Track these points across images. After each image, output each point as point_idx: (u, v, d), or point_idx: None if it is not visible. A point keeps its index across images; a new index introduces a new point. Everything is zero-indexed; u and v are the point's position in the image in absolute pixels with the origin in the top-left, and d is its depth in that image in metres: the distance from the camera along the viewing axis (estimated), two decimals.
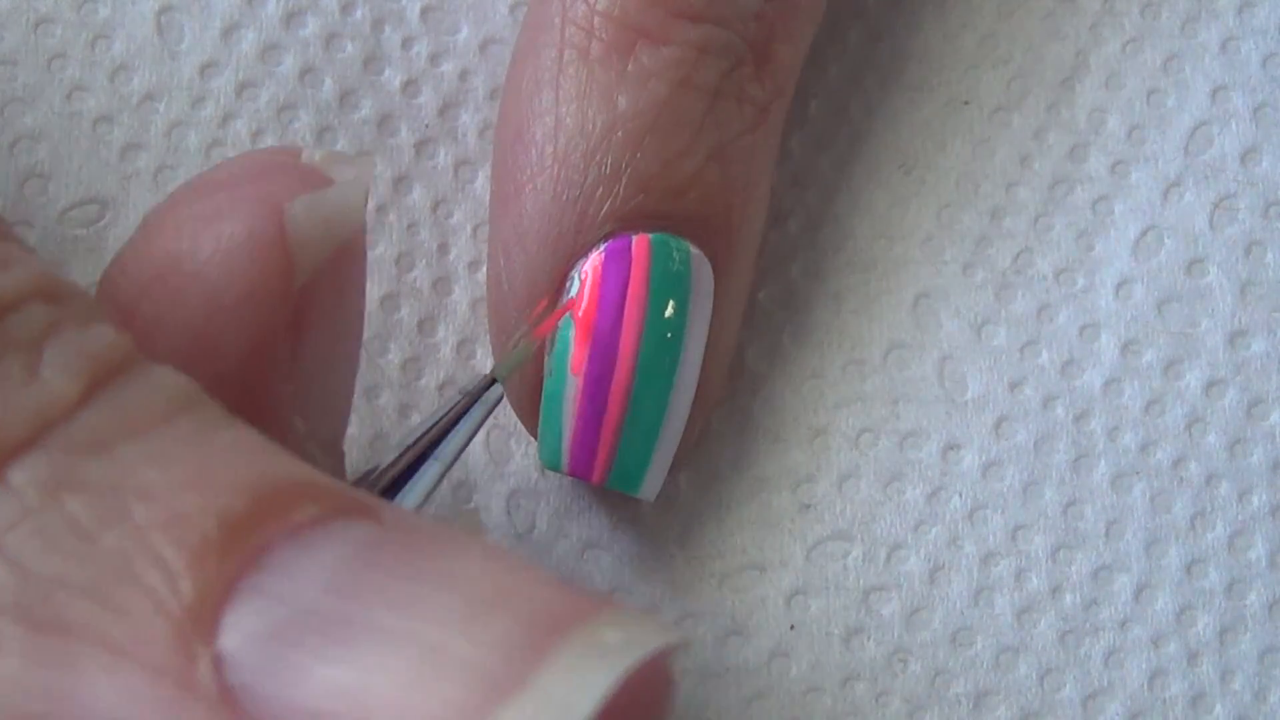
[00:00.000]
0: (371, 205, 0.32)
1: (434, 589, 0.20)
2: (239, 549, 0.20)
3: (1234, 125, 0.33)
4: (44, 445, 0.21)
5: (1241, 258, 0.32)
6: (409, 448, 0.26)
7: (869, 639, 0.31)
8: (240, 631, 0.20)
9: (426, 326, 0.32)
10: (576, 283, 0.29)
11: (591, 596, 0.20)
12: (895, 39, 0.33)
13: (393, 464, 0.26)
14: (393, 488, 0.26)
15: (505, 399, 0.29)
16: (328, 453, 0.26)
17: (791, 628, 0.31)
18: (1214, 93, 0.33)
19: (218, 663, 0.20)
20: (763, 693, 0.31)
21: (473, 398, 0.27)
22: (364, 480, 0.26)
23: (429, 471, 0.26)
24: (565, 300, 0.29)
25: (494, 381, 0.28)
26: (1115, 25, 0.33)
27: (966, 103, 0.33)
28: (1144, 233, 0.32)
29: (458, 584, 0.20)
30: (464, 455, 0.31)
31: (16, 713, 0.20)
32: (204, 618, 0.20)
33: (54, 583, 0.20)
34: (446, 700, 0.19)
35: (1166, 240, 0.32)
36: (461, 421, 0.27)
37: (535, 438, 0.30)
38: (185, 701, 0.20)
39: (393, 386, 0.31)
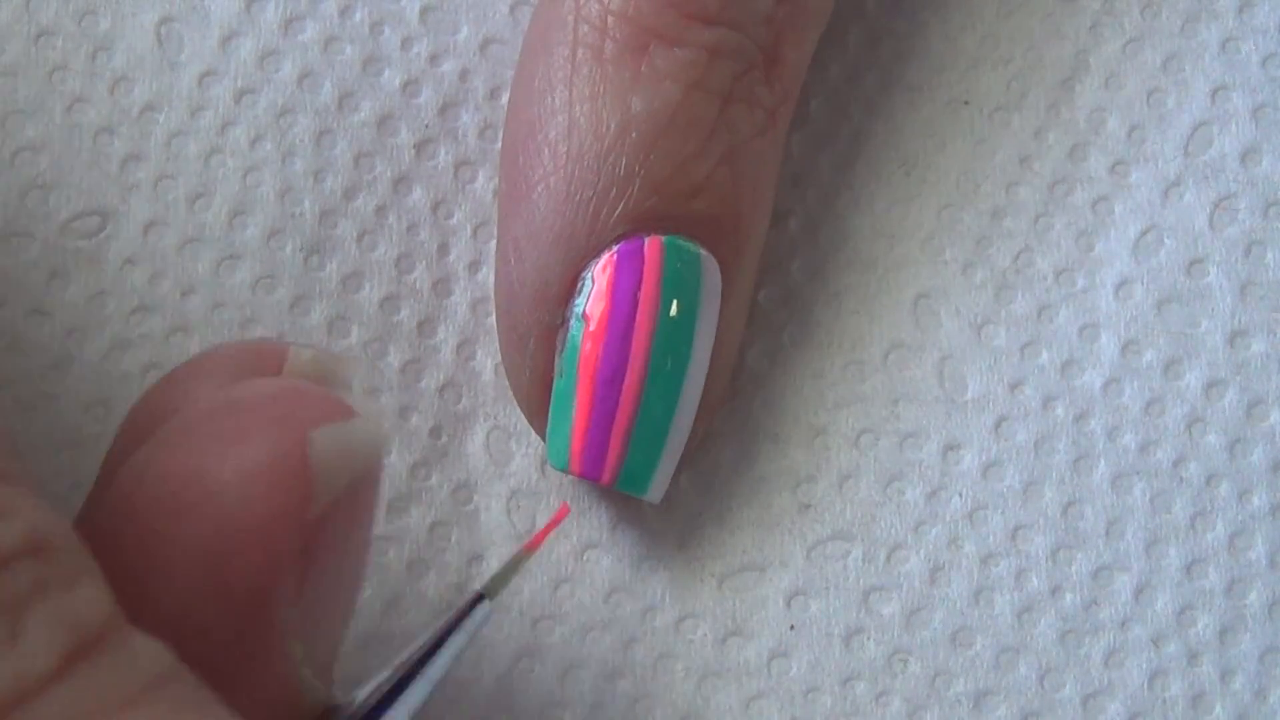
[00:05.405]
0: (371, 206, 0.32)
1: None
2: None
3: (1234, 125, 0.32)
4: None
5: (1241, 258, 0.32)
6: (400, 665, 0.26)
7: (869, 639, 0.31)
8: None
9: (426, 328, 0.32)
10: (588, 284, 0.29)
11: None
12: (895, 39, 0.33)
13: (383, 683, 0.26)
14: (383, 703, 0.26)
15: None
16: (320, 675, 0.26)
17: (791, 628, 0.31)
18: (1214, 93, 0.32)
19: None
20: (763, 693, 0.31)
21: (462, 614, 0.26)
22: (349, 706, 0.26)
23: (416, 690, 0.26)
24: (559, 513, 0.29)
25: (482, 598, 0.27)
26: (1115, 25, 0.33)
27: (966, 103, 0.33)
28: (1144, 233, 0.32)
29: None
30: (466, 455, 0.31)
31: None
32: None
33: None
34: None
35: (1166, 240, 0.32)
36: (450, 638, 0.26)
37: (543, 438, 0.30)
38: None
39: (393, 389, 0.31)
